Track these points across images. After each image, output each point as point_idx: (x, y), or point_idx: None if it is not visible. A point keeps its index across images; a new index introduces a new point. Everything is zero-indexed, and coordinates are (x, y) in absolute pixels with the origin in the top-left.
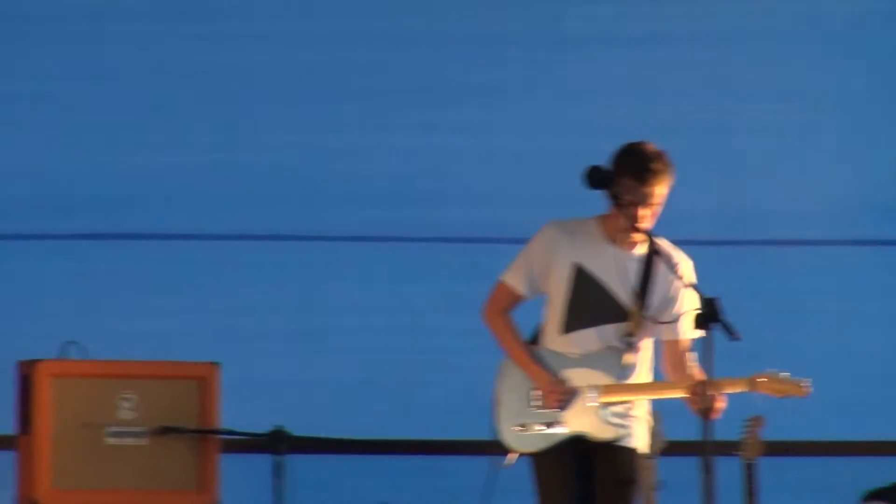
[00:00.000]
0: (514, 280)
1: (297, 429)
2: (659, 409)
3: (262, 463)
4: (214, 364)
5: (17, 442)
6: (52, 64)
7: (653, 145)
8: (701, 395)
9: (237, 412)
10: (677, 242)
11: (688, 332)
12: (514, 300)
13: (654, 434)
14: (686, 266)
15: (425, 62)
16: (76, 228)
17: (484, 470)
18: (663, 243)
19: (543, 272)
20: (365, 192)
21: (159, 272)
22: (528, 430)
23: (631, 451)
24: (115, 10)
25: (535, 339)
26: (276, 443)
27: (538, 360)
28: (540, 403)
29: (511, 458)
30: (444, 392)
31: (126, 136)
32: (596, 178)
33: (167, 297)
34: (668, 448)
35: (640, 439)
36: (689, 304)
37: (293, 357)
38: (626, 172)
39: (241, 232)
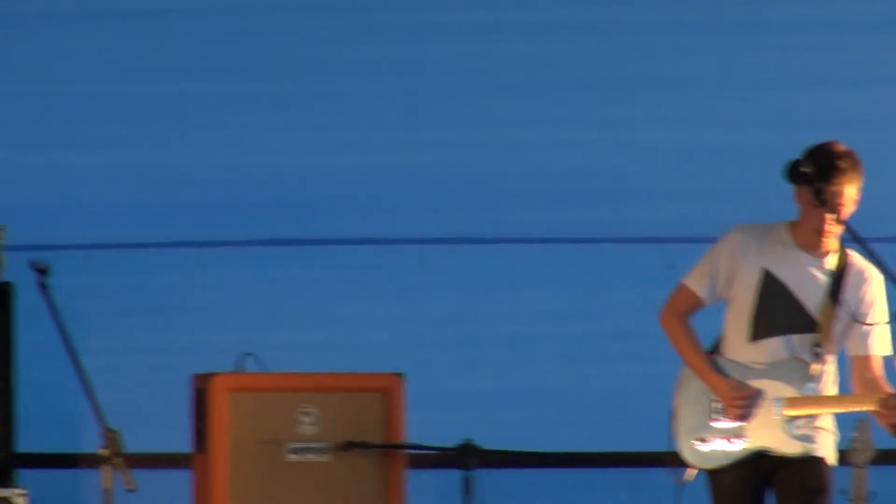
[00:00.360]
0: (697, 284)
1: (487, 442)
2: (867, 417)
3: (450, 478)
4: (399, 375)
5: (193, 460)
6: (229, 63)
7: (841, 144)
8: (891, 409)
9: (423, 425)
10: (869, 241)
11: (878, 347)
12: (695, 305)
13: (864, 443)
14: (878, 278)
15: (614, 53)
16: (253, 234)
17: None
18: (855, 252)
19: (728, 278)
20: (550, 191)
21: (339, 279)
22: (708, 444)
23: (819, 461)
24: (290, 4)
25: (714, 350)
26: (465, 457)
27: (718, 370)
28: (721, 416)
29: (690, 473)
30: (642, 401)
31: (305, 136)
32: (796, 173)
33: (348, 305)
34: (879, 457)
35: (827, 449)
36: (880, 316)
37: (482, 366)
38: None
39: (425, 235)
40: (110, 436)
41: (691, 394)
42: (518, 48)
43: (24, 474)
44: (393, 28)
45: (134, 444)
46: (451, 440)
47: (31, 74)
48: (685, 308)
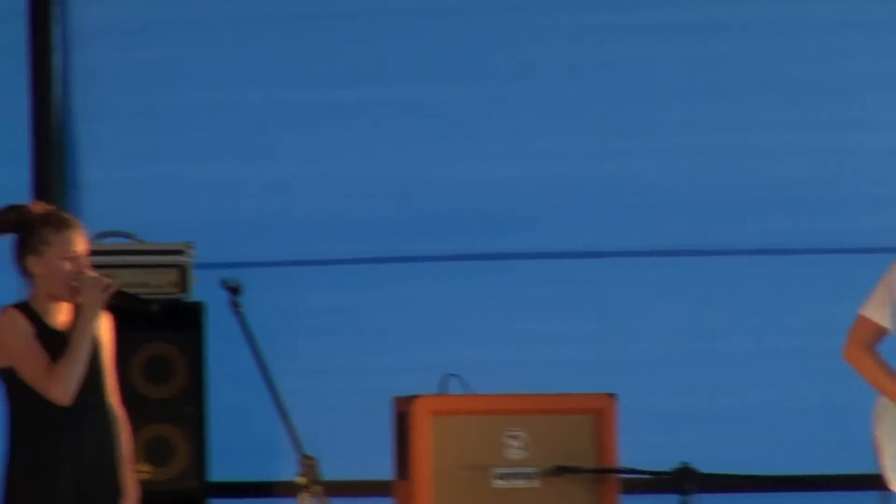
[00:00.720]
0: (877, 313)
1: (705, 464)
2: None
3: (666, 503)
4: (611, 396)
5: (395, 487)
6: (417, 66)
7: None
8: None
9: (637, 448)
10: None
11: None
12: (879, 335)
13: None
14: None
15: (831, 53)
16: (457, 249)
17: None
18: None
19: None
20: (763, 199)
21: (547, 295)
22: None
23: None
24: (490, 5)
25: None
26: (683, 481)
27: None
28: None
29: None
30: (865, 421)
31: (504, 144)
32: None
33: (557, 323)
34: None
35: None
36: None
37: (698, 385)
38: None
39: (635, 248)
40: (308, 462)
41: (894, 424)
42: (729, 48)
43: None
44: (595, 30)
45: (332, 471)
46: (666, 463)
47: (220, 83)
48: (870, 339)
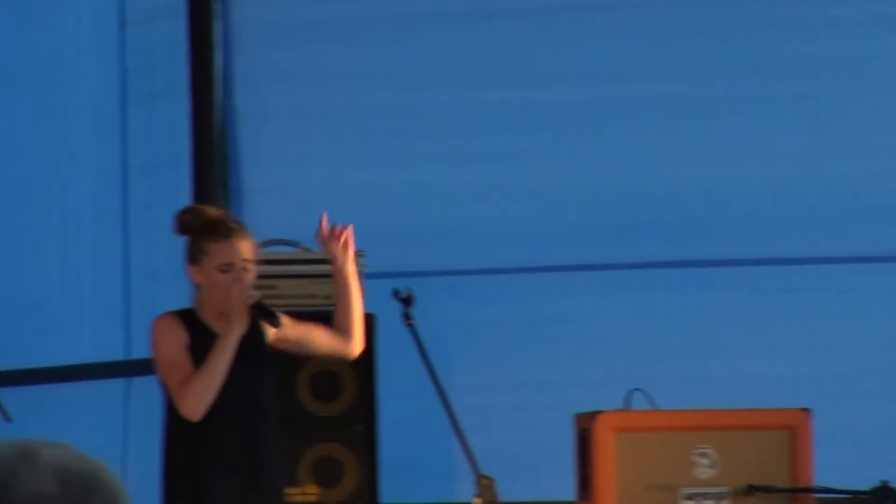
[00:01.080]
0: None
1: None
2: None
3: None
4: (806, 411)
5: None
6: (607, 66)
7: None
8: None
9: (834, 466)
10: None
11: None
12: None
13: None
14: None
15: None
16: (643, 256)
17: None
18: None
19: None
20: None
21: (737, 304)
22: None
23: None
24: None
25: None
26: (882, 500)
27: None
28: None
29: None
30: None
31: (701, 146)
32: None
33: (747, 334)
34: None
35: None
36: None
37: None
38: None
39: (829, 255)
40: (485, 483)
41: None
42: None
43: None
44: (799, 23)
45: (511, 492)
46: (865, 482)
47: (390, 84)
48: None
